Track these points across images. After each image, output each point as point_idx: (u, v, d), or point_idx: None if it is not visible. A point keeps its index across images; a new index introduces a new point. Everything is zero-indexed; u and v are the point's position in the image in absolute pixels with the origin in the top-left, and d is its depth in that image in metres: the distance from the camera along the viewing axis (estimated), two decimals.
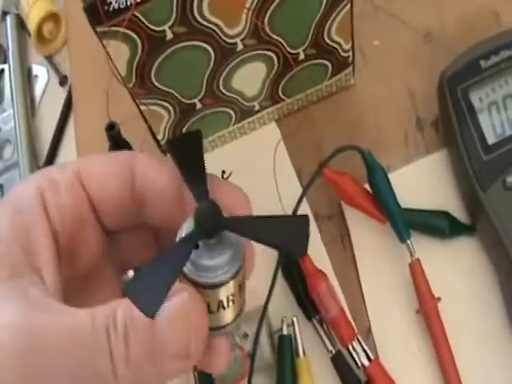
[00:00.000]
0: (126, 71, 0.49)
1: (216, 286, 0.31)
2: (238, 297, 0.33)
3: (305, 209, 0.57)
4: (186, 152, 0.34)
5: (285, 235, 0.31)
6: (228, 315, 0.33)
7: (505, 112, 0.52)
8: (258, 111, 0.60)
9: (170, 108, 0.56)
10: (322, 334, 0.52)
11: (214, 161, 0.61)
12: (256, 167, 0.59)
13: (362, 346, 0.51)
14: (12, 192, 0.34)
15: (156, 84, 0.52)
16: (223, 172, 0.61)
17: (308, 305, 0.53)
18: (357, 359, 0.51)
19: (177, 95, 0.54)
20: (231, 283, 0.31)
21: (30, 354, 0.28)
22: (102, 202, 0.35)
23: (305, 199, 0.57)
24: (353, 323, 0.53)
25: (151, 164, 0.36)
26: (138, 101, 0.53)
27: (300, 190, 0.56)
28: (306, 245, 0.31)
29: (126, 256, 0.39)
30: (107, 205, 0.35)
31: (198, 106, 0.57)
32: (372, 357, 0.51)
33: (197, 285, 0.30)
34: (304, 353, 0.52)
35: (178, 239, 0.31)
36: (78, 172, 0.34)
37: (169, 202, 0.35)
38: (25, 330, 0.28)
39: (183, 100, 0.55)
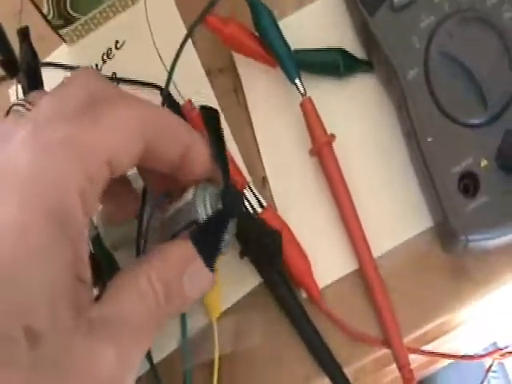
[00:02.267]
0: None
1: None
2: None
3: (195, 63, 0.53)
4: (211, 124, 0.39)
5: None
6: None
7: None
8: None
9: None
10: None
11: (107, 33, 0.59)
12: (149, 33, 0.55)
13: (254, 194, 0.48)
14: (44, 187, 0.29)
15: None
16: (116, 42, 0.58)
17: None
18: (248, 207, 0.47)
19: None
20: None
21: None
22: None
23: (196, 54, 0.54)
24: (247, 174, 0.49)
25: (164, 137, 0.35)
26: None
27: (193, 48, 0.53)
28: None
29: None
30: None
31: None
32: (265, 204, 0.48)
33: None
34: None
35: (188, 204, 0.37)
36: (110, 161, 0.32)
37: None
38: None
39: None
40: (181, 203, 0.37)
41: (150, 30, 0.52)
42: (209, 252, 0.35)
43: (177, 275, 0.34)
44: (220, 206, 0.36)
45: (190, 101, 0.50)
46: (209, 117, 0.40)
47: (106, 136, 0.31)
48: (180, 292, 0.34)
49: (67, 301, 0.29)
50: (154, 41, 0.52)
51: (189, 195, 0.37)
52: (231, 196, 0.37)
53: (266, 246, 0.43)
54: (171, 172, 0.37)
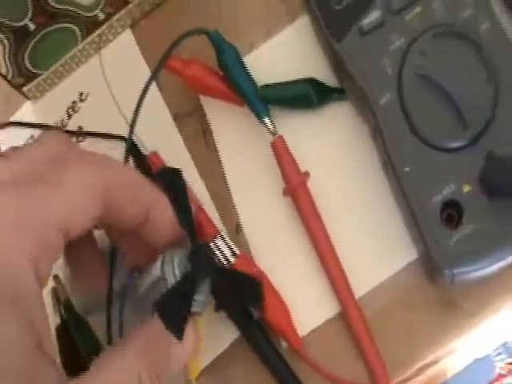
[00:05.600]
0: None
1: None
2: None
3: (162, 109, 0.51)
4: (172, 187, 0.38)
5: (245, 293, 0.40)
6: None
7: None
8: (104, 21, 0.54)
9: (1, 35, 0.51)
10: None
11: (71, 85, 0.56)
12: (115, 81, 0.53)
13: (226, 243, 0.44)
14: None
15: None
16: (81, 94, 0.55)
17: None
18: (220, 257, 0.44)
19: (2, 20, 0.49)
20: None
21: None
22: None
23: (162, 99, 0.51)
24: (219, 221, 0.46)
25: (126, 198, 0.35)
26: None
27: (159, 94, 0.51)
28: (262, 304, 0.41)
29: None
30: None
31: (32, 27, 0.51)
32: (238, 252, 0.44)
33: None
34: None
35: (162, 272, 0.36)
36: (65, 228, 0.31)
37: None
38: None
39: (12, 24, 0.50)
40: (150, 277, 0.37)
41: (106, 82, 0.51)
42: (177, 320, 0.34)
43: (162, 352, 0.34)
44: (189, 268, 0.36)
45: (155, 153, 0.47)
46: (168, 179, 0.39)
47: (58, 203, 0.31)
48: (166, 368, 0.34)
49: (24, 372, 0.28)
50: (111, 92, 0.50)
51: (157, 266, 0.36)
52: (200, 256, 0.37)
53: (245, 297, 0.41)
54: (135, 230, 0.36)
